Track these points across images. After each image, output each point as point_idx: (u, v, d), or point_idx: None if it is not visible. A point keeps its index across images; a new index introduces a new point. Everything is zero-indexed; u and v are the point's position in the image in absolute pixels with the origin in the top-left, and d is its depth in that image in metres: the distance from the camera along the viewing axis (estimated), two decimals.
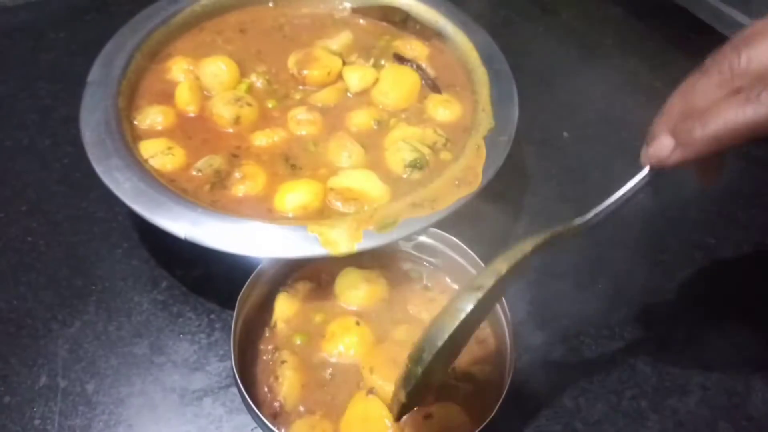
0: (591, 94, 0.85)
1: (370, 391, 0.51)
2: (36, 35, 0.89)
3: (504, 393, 0.49)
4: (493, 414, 0.47)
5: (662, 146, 0.40)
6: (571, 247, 0.67)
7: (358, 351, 0.53)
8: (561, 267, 0.66)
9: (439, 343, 0.40)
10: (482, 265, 0.56)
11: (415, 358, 0.42)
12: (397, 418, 0.47)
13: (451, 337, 0.40)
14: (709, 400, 0.57)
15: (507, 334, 0.53)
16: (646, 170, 0.44)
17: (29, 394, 0.55)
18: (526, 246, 0.43)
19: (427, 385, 0.45)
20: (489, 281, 0.41)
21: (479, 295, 0.41)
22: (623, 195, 0.45)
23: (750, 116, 0.35)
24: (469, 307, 0.40)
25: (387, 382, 0.50)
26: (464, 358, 0.54)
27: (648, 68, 0.89)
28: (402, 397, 0.44)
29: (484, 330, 0.56)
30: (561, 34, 0.94)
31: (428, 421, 0.50)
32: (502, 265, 0.42)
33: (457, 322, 0.40)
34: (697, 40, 0.87)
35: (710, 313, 0.63)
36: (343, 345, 0.54)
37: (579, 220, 0.45)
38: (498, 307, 0.54)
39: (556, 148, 0.78)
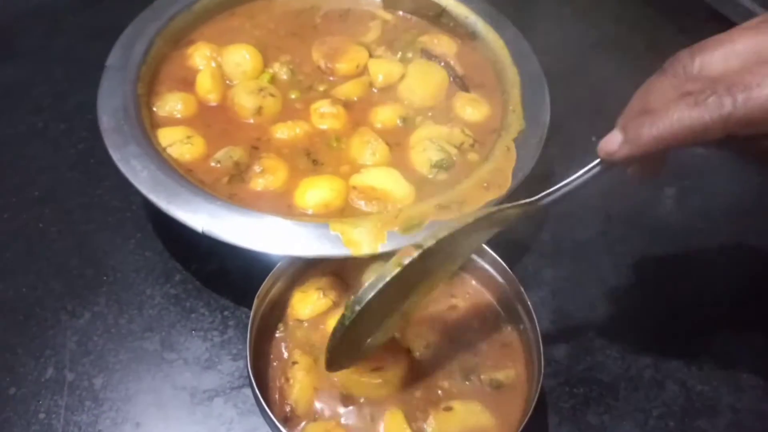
0: (621, 99, 0.82)
1: None
2: (52, 18, 0.87)
3: (532, 406, 0.47)
4: (521, 428, 0.46)
5: (612, 140, 0.41)
6: (599, 259, 0.66)
7: None
8: (587, 279, 0.64)
9: (367, 298, 0.41)
10: (509, 271, 0.54)
11: (343, 314, 0.43)
12: (327, 368, 0.48)
13: (381, 293, 0.41)
14: (740, 423, 0.55)
15: (533, 343, 0.51)
16: (597, 161, 0.45)
17: (35, 387, 0.54)
18: (469, 218, 0.44)
19: (357, 342, 0.47)
20: (427, 243, 0.42)
21: (412, 256, 0.41)
22: (574, 180, 0.46)
23: (695, 118, 0.36)
24: (395, 271, 0.41)
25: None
26: (489, 362, 0.52)
27: None
28: (327, 348, 0.45)
29: (510, 334, 0.54)
30: (592, 35, 0.91)
31: (449, 413, 0.49)
32: (442, 232, 0.43)
33: (383, 283, 0.41)
34: None
35: (741, 332, 0.61)
36: None
37: (528, 201, 0.46)
38: (524, 315, 0.52)
39: (584, 152, 0.75)
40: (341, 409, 0.50)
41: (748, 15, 0.78)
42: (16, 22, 0.87)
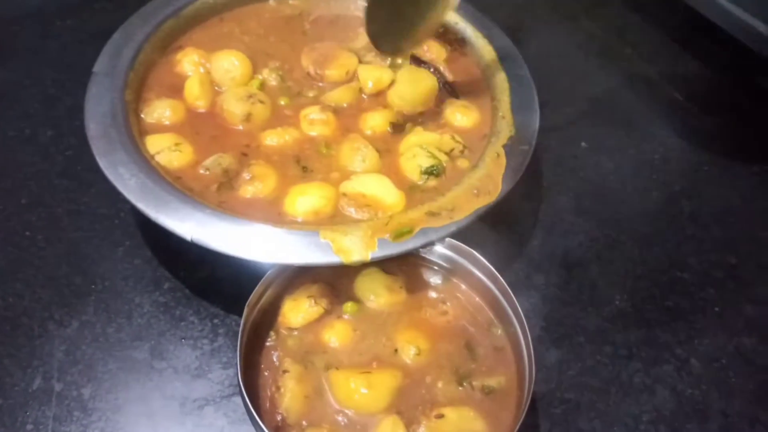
0: (611, 104, 0.83)
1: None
2: (44, 22, 0.87)
3: (524, 412, 0.47)
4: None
5: None
6: (588, 264, 0.66)
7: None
8: (577, 284, 0.64)
9: None
10: (499, 277, 0.54)
11: None
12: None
13: None
14: (730, 428, 0.55)
15: (525, 349, 0.51)
16: None
17: (22, 398, 0.53)
18: None
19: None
20: None
21: None
22: None
23: None
24: None
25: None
26: (481, 368, 0.52)
27: (668, 79, 0.87)
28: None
29: (501, 339, 0.54)
30: (581, 41, 0.92)
31: (441, 420, 0.49)
32: None
33: None
34: (719, 52, 0.86)
35: (731, 336, 0.61)
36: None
37: None
38: (515, 321, 0.52)
39: (574, 158, 0.76)
40: (333, 418, 0.49)
41: (738, 23, 0.79)
42: (7, 24, 0.86)
